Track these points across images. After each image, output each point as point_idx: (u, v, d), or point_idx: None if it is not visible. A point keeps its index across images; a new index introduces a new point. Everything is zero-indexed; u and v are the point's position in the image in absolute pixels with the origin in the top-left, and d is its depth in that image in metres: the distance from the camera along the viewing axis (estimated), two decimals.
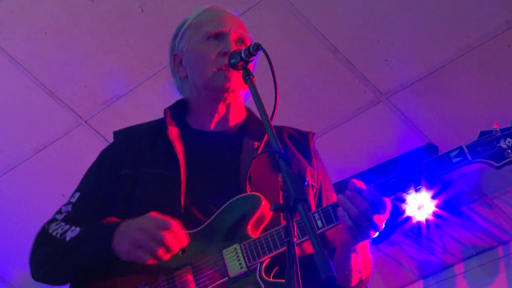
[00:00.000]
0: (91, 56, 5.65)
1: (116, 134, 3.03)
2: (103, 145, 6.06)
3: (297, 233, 2.38)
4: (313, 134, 3.01)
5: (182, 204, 2.70)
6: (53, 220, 2.82)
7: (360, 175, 6.10)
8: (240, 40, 2.97)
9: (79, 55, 5.64)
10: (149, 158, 2.85)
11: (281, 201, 2.15)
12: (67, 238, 2.69)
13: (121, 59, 5.66)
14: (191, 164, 2.82)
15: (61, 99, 5.90)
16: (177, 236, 2.56)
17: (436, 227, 6.63)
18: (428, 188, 6.21)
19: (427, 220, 6.35)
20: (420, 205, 6.26)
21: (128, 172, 2.84)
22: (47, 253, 2.77)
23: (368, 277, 2.74)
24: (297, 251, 2.06)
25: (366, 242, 2.63)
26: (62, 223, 2.77)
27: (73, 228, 2.72)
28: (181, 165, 2.78)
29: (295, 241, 2.06)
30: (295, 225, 2.12)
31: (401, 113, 5.94)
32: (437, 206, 6.29)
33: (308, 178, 2.82)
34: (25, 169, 6.38)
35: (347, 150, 6.18)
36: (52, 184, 6.47)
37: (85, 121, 6.06)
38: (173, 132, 2.90)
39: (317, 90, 5.85)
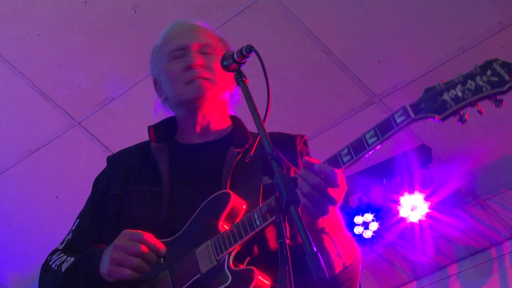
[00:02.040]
0: (84, 58, 5.65)
1: (108, 159, 3.09)
2: (97, 147, 6.14)
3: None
4: (302, 136, 3.01)
5: (163, 217, 2.74)
6: (55, 250, 2.91)
7: (354, 177, 6.11)
8: (205, 47, 2.98)
9: (72, 57, 5.64)
10: (136, 177, 2.91)
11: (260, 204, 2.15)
12: (63, 269, 2.76)
13: (114, 61, 5.66)
14: (175, 178, 2.85)
15: (55, 101, 5.90)
16: (151, 245, 2.61)
17: (429, 228, 6.64)
18: (421, 189, 6.23)
19: (420, 221, 6.36)
20: (413, 206, 6.27)
21: (115, 192, 2.90)
22: (47, 285, 2.84)
23: (355, 263, 2.67)
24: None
25: (339, 223, 2.60)
26: (62, 254, 2.84)
27: (69, 258, 2.79)
28: (164, 179, 2.82)
29: (288, 242, 2.07)
30: (287, 226, 2.12)
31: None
32: (430, 208, 6.31)
33: None
34: (18, 171, 6.37)
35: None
36: (45, 186, 6.47)
37: (79, 123, 6.06)
38: (157, 148, 2.94)
39: (310, 92, 5.86)
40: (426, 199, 6.26)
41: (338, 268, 2.62)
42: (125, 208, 2.84)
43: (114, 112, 5.97)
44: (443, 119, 2.42)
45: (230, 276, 2.55)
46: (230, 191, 2.68)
